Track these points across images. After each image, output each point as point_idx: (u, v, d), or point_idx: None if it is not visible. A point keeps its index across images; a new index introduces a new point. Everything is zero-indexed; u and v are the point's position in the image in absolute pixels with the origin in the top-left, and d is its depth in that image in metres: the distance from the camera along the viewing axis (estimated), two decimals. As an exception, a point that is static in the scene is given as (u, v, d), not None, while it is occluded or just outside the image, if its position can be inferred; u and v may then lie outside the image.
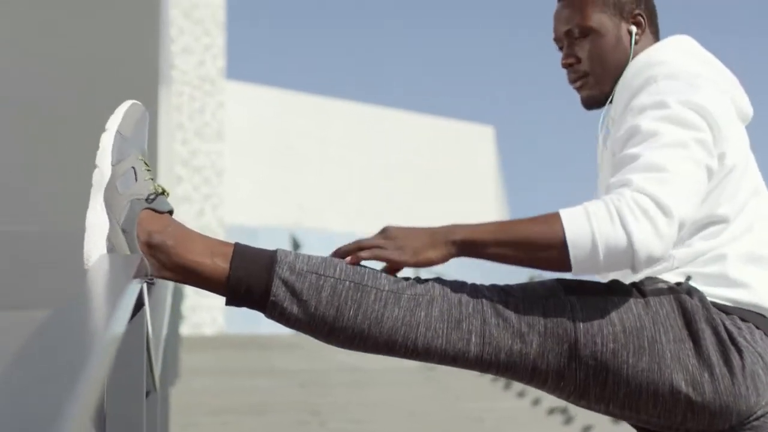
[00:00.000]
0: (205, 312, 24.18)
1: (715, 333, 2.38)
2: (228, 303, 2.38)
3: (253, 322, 28.40)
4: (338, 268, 2.36)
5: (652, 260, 2.32)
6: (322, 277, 2.34)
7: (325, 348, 15.00)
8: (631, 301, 2.39)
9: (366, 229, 32.30)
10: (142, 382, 2.22)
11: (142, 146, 2.41)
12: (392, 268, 2.39)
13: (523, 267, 2.40)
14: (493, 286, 2.42)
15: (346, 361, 12.46)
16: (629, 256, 2.30)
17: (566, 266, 2.33)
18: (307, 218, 31.39)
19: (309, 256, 2.38)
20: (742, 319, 2.44)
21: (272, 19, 60.25)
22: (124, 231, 2.31)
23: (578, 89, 2.73)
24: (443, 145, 35.74)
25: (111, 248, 2.31)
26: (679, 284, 2.44)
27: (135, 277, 2.03)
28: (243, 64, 55.16)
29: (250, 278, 2.34)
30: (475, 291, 2.40)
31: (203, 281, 2.36)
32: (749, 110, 2.67)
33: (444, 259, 2.37)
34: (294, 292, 2.34)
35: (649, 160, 2.37)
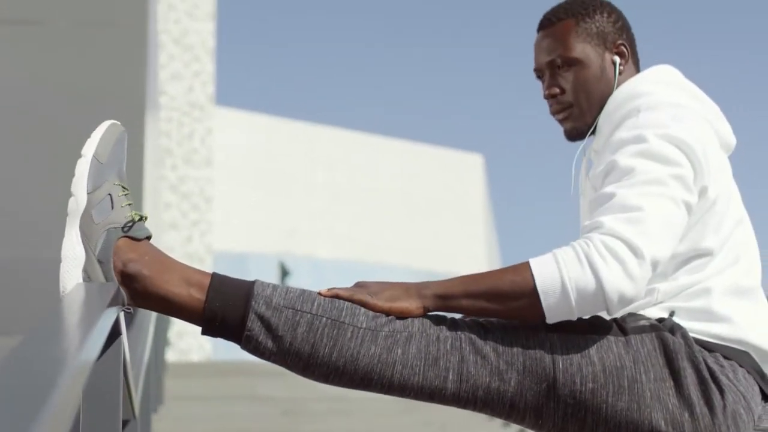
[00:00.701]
0: (191, 338, 24.12)
1: (697, 371, 2.36)
2: (203, 333, 2.37)
3: (239, 349, 28.25)
4: (316, 303, 2.34)
5: (625, 301, 2.31)
6: (299, 313, 2.32)
7: (311, 375, 14.90)
8: (612, 339, 2.37)
9: (354, 256, 32.28)
10: (118, 411, 2.21)
11: (121, 168, 2.37)
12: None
13: (500, 318, 2.38)
14: (474, 321, 2.40)
15: (330, 390, 12.39)
16: (601, 298, 2.29)
17: (540, 314, 2.32)
18: (295, 245, 31.36)
19: (287, 289, 2.36)
20: (726, 357, 2.42)
21: (261, 45, 60.41)
22: (100, 262, 2.29)
23: (561, 121, 2.70)
24: (433, 172, 35.76)
25: (87, 279, 2.29)
26: (661, 320, 2.42)
27: (111, 305, 2.03)
28: (232, 91, 55.21)
29: (225, 311, 2.32)
30: (454, 326, 2.37)
31: (179, 311, 2.34)
32: (732, 140, 2.64)
33: (419, 311, 2.36)
34: (269, 328, 2.32)
35: (622, 200, 2.35)
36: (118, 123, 2.38)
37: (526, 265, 2.33)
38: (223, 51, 48.56)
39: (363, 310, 2.36)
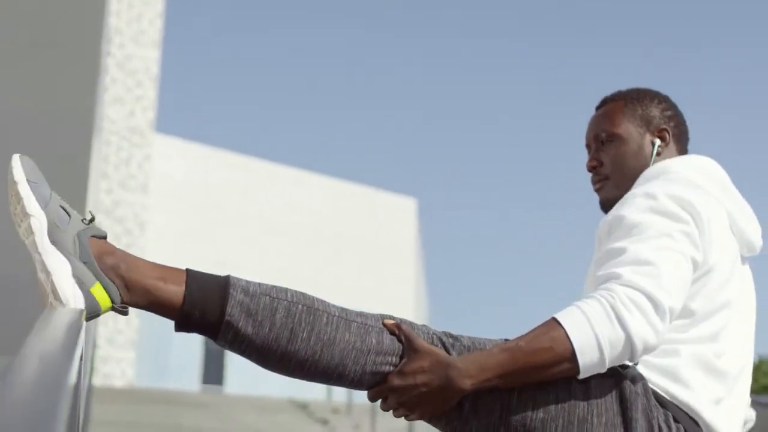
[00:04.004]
0: (115, 363, 23.93)
1: (649, 426, 2.41)
2: (179, 328, 2.37)
3: (162, 376, 28.10)
4: (289, 293, 2.39)
5: (648, 350, 2.37)
6: (276, 300, 2.36)
7: (232, 408, 14.90)
8: (573, 378, 2.40)
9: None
10: None
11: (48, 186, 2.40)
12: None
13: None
14: (444, 332, 2.46)
15: (252, 423, 12.42)
16: (629, 350, 2.35)
17: (575, 374, 2.37)
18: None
19: (260, 282, 2.41)
20: (675, 420, 2.47)
21: (204, 75, 60.28)
22: (84, 262, 2.31)
23: (597, 191, 2.86)
24: (366, 212, 35.83)
25: (80, 283, 2.29)
26: (625, 367, 2.47)
27: (80, 329, 2.04)
28: (172, 118, 55.01)
29: (205, 301, 2.34)
30: (426, 327, 2.46)
31: (157, 305, 2.35)
32: (758, 242, 2.76)
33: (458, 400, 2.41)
34: (249, 313, 2.34)
35: (636, 254, 2.44)
36: (23, 155, 2.40)
37: (560, 330, 2.36)
38: (165, 78, 48.49)
39: (332, 303, 2.44)
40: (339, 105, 63.49)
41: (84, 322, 2.17)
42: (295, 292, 2.41)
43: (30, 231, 2.32)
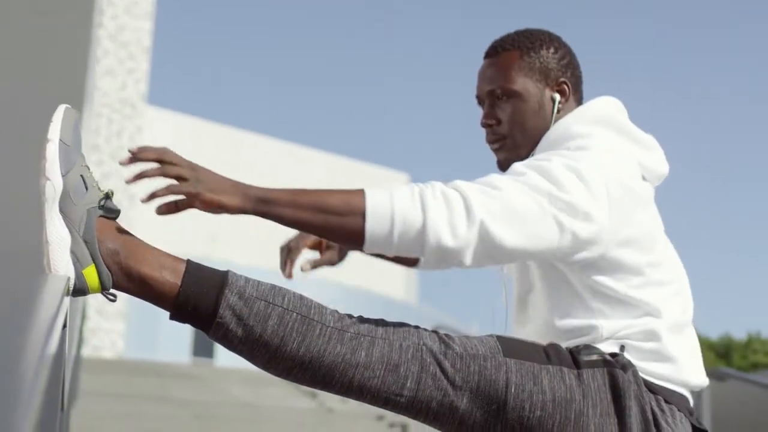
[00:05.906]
0: (104, 335, 23.92)
1: (642, 412, 2.41)
2: (172, 318, 2.37)
3: (152, 348, 28.12)
4: (286, 298, 2.35)
5: (441, 251, 2.32)
6: (270, 305, 2.33)
7: (221, 381, 14.96)
8: (566, 371, 2.40)
9: (272, 265, 32.17)
10: (57, 404, 2.22)
11: (81, 150, 2.36)
12: (186, 204, 2.35)
13: (316, 234, 2.38)
14: (436, 334, 2.42)
15: (242, 396, 12.45)
16: (420, 239, 2.32)
17: (360, 236, 2.34)
18: (215, 250, 31.24)
19: (259, 282, 2.37)
20: (666, 401, 2.47)
21: (196, 47, 60.14)
22: (85, 242, 2.28)
23: (495, 151, 2.73)
24: (357, 187, 35.81)
25: (75, 260, 2.27)
26: (614, 355, 2.47)
27: (62, 298, 2.04)
28: (164, 90, 54.88)
29: (198, 297, 2.31)
30: (417, 337, 2.40)
31: (152, 293, 2.33)
32: (664, 170, 2.66)
33: (237, 210, 2.35)
34: (240, 317, 2.31)
35: (491, 180, 2.38)
36: (71, 107, 2.36)
37: (360, 190, 2.35)
38: (158, 50, 48.41)
39: (330, 309, 2.38)
40: (332, 79, 63.37)
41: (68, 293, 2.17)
42: (293, 296, 2.37)
43: (43, 193, 2.28)
